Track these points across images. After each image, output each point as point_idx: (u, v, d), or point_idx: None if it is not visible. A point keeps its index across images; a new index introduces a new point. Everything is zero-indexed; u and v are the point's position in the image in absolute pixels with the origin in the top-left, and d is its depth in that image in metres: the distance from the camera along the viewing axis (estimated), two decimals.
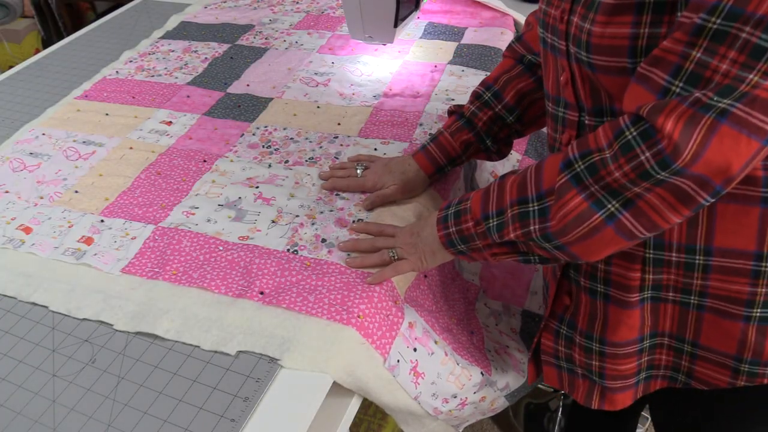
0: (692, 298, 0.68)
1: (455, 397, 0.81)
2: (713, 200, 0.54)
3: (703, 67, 0.51)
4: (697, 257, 0.66)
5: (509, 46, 0.92)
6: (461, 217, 0.72)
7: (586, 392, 0.80)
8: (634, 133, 0.55)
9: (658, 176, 0.54)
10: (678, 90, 0.53)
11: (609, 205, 0.58)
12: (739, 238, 0.63)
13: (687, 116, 0.52)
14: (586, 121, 0.68)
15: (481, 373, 0.84)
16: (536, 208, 0.63)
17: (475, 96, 0.91)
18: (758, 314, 0.66)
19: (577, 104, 0.69)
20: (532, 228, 0.64)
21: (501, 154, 0.94)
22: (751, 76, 0.49)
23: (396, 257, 0.79)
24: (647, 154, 0.54)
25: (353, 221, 0.87)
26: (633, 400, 0.78)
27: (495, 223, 0.68)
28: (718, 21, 0.50)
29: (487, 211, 0.68)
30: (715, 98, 0.51)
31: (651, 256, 0.67)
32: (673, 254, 0.67)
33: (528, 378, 0.89)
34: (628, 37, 0.58)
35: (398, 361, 0.74)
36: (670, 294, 0.69)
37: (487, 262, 0.79)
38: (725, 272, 0.65)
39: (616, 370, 0.75)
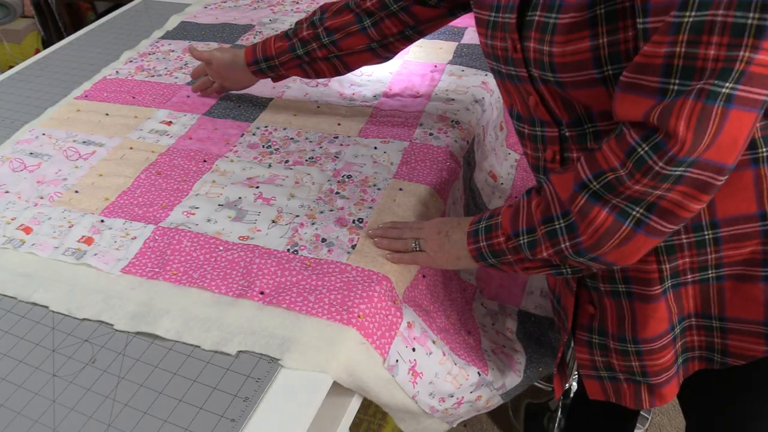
0: (710, 272, 0.69)
1: (452, 396, 0.82)
2: (727, 177, 0.56)
3: (692, 58, 0.52)
4: (706, 233, 0.67)
5: None
6: (492, 233, 0.73)
7: (633, 395, 0.79)
8: (646, 149, 0.56)
9: (676, 173, 0.55)
10: (677, 87, 0.54)
11: (634, 212, 0.59)
12: (740, 203, 0.65)
13: (698, 111, 0.53)
14: (567, 134, 0.70)
15: (478, 373, 0.84)
16: (563, 225, 0.64)
17: (308, 17, 1.02)
18: None
19: (554, 120, 0.70)
20: (563, 246, 0.65)
21: (316, 72, 1.04)
22: (741, 53, 0.51)
23: (418, 248, 0.80)
24: (660, 164, 0.55)
25: (353, 221, 0.87)
26: (678, 387, 0.78)
27: (526, 240, 0.69)
28: (693, 14, 0.51)
29: (518, 227, 0.70)
30: (717, 83, 0.52)
31: (662, 245, 0.68)
32: (683, 237, 0.67)
33: (555, 393, 0.87)
34: (589, 50, 0.60)
35: (397, 360, 0.74)
36: (689, 276, 0.70)
37: (517, 274, 0.81)
38: (736, 239, 0.66)
39: (656, 365, 0.75)
